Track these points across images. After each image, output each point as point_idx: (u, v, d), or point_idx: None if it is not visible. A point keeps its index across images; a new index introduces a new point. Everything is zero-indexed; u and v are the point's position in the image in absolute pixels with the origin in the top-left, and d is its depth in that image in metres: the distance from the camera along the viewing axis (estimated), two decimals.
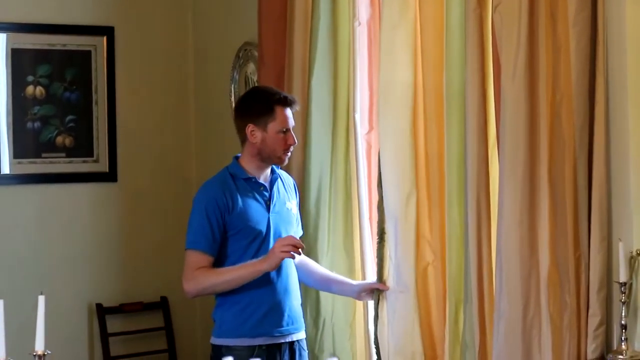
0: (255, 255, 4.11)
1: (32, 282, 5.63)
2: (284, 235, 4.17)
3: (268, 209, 4.16)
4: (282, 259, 4.06)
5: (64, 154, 5.83)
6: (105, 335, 5.83)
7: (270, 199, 4.18)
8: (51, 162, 5.80)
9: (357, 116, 4.62)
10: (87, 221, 5.89)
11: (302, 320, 4.29)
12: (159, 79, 6.09)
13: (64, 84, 5.82)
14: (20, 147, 5.73)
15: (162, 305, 6.02)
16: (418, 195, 4.22)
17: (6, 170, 5.69)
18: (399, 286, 4.23)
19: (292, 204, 4.29)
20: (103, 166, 5.92)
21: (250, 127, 4.13)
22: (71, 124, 5.83)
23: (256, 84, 5.39)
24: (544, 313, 3.77)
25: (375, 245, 4.37)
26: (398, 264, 4.24)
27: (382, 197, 4.28)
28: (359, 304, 4.54)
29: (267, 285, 4.13)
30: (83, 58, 5.87)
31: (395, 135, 4.25)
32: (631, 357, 3.66)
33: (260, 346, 4.10)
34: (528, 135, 3.78)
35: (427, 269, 4.22)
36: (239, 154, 4.23)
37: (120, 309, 5.90)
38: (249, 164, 4.17)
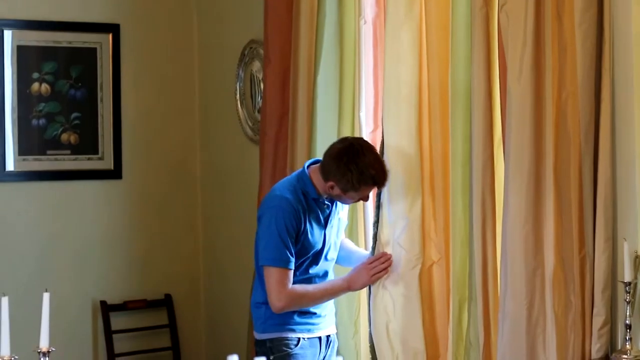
0: (308, 267, 4.23)
1: (37, 279, 5.64)
2: (332, 245, 4.27)
3: (325, 225, 4.24)
4: (374, 282, 4.27)
5: (69, 151, 5.83)
6: (109, 333, 5.83)
7: (329, 215, 4.25)
8: (56, 159, 5.80)
9: (363, 114, 4.62)
10: (92, 218, 5.89)
11: (334, 316, 4.45)
12: (164, 76, 6.09)
13: (69, 81, 5.82)
14: (25, 144, 5.73)
15: (166, 302, 6.02)
16: (423, 195, 4.22)
17: (11, 167, 5.69)
18: (402, 286, 4.24)
19: (345, 211, 4.37)
20: (108, 163, 5.92)
21: (330, 183, 4.11)
22: (76, 121, 5.83)
23: (261, 82, 5.38)
24: (549, 312, 3.76)
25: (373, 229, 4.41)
26: (402, 263, 4.24)
27: (379, 192, 4.30)
28: (363, 302, 4.53)
29: None
30: (89, 55, 5.87)
31: (400, 135, 4.25)
32: (635, 356, 3.66)
33: (303, 337, 4.26)
34: (533, 135, 3.77)
35: (432, 267, 4.22)
36: (312, 161, 4.25)
37: (125, 307, 5.90)
38: (319, 184, 4.17)
